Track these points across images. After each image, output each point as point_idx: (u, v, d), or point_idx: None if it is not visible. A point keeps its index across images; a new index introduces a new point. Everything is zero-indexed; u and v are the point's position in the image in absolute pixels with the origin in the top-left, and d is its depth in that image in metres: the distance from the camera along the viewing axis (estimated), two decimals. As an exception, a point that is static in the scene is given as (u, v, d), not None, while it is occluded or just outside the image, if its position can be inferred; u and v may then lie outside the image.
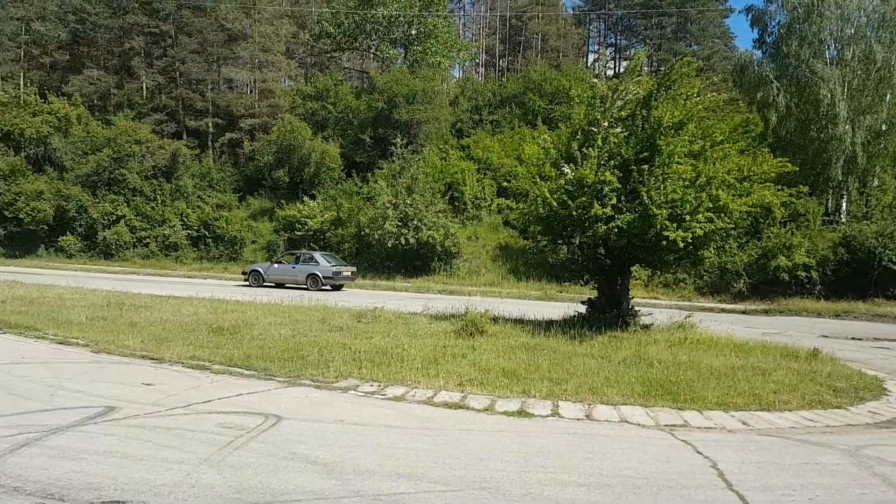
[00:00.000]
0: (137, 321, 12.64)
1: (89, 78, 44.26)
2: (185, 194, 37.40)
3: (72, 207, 36.06)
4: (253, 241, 35.36)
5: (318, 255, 27.51)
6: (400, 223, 28.83)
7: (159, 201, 37.09)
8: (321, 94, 40.61)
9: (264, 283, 27.03)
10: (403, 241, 28.66)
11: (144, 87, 45.52)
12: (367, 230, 30.56)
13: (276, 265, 27.63)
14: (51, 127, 39.17)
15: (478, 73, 59.86)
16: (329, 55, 49.28)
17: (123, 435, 5.97)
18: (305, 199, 34.77)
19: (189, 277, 29.71)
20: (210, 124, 42.34)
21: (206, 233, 35.49)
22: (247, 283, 27.16)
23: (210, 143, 42.52)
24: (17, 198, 35.83)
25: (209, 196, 37.87)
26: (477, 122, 41.25)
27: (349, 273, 27.52)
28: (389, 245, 29.06)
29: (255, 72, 42.09)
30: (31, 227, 35.72)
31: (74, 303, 15.06)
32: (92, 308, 14.18)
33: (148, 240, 35.99)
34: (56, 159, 38.85)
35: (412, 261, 29.83)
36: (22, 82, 46.59)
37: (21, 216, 35.55)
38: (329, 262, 27.07)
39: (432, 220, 29.07)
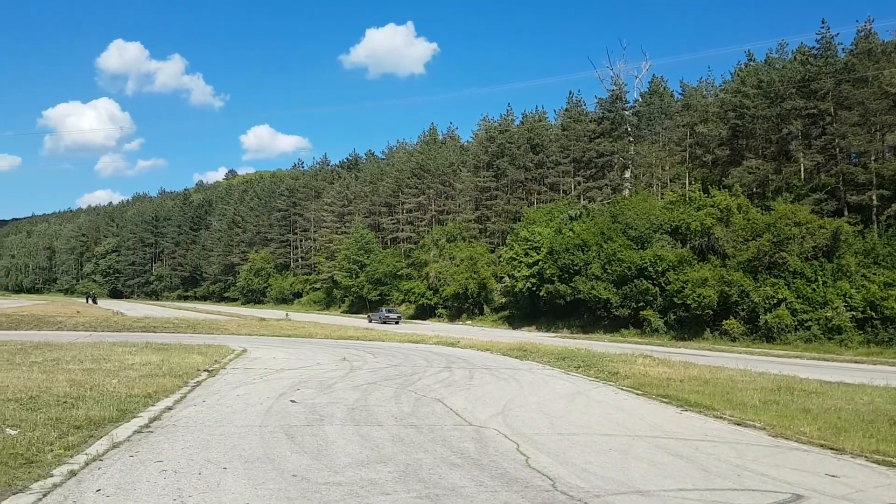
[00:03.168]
0: (810, 408, 12.52)
1: (748, 168, 46.87)
2: (848, 273, 35.38)
3: (734, 292, 38.12)
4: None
5: (382, 308, 58.95)
6: None
7: (820, 282, 36.02)
8: None
9: (371, 322, 52.74)
10: None
11: (802, 168, 45.63)
12: None
13: (374, 314, 56.48)
14: (713, 218, 42.99)
15: None
16: None
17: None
18: None
19: (856, 363, 27.56)
20: (874, 197, 39.30)
21: (874, 314, 32.58)
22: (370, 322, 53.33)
23: (874, 216, 39.38)
24: (685, 285, 39.98)
25: (875, 274, 34.83)
26: None
27: (395, 317, 53.95)
28: None
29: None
30: (697, 311, 39.10)
31: (745, 385, 15.82)
32: (762, 391, 14.67)
33: (809, 322, 35.12)
34: (719, 248, 42.17)
35: None
36: (687, 181, 52.80)
37: (688, 302, 39.39)
38: (383, 312, 56.00)
39: None
